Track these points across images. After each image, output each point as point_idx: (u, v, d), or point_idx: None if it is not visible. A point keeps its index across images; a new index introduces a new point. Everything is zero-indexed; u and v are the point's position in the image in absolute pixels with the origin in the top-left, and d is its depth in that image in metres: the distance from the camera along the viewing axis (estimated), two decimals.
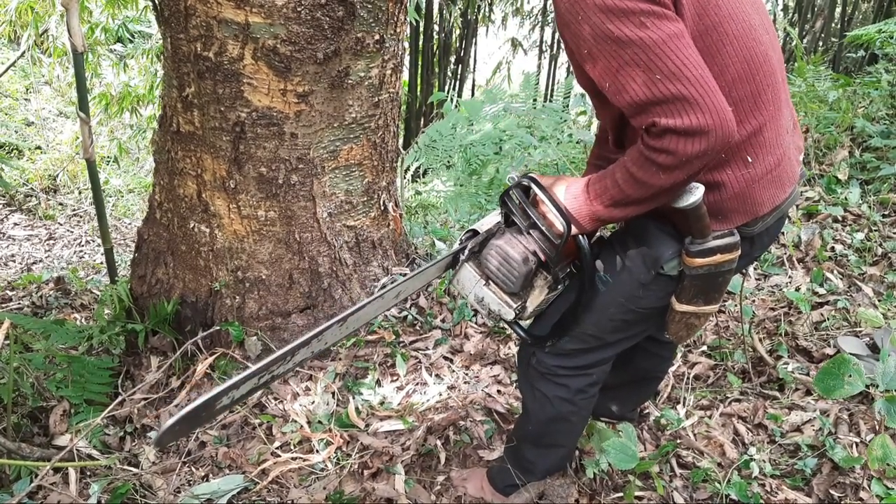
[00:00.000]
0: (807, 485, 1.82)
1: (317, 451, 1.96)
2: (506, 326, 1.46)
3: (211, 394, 1.00)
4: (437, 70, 9.57)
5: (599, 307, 1.36)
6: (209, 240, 2.22)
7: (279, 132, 2.05)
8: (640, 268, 1.29)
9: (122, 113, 6.87)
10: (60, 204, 6.21)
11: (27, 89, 8.94)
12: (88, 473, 1.88)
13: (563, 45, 1.24)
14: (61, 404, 2.07)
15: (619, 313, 1.35)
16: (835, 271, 2.75)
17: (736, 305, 2.58)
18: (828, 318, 2.46)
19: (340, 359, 2.35)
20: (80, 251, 5.23)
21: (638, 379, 1.80)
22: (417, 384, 2.28)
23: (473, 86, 11.35)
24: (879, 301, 2.53)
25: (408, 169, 5.27)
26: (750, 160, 1.17)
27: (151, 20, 6.95)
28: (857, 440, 1.92)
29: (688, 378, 2.26)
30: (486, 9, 10.11)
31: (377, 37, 2.06)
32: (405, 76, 7.82)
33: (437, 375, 2.31)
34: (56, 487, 1.78)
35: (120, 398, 2.07)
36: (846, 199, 3.21)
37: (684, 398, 2.17)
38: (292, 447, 1.99)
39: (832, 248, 2.91)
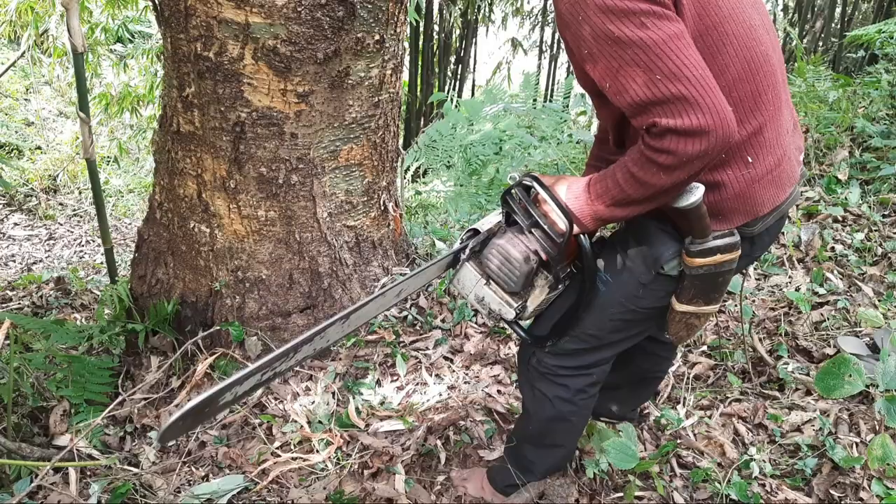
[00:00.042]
0: (807, 485, 1.82)
1: (317, 451, 1.96)
2: (506, 326, 1.46)
3: (214, 389, 1.00)
4: (437, 70, 9.58)
5: (600, 307, 1.36)
6: (209, 240, 2.22)
7: (279, 132, 2.05)
8: (641, 267, 1.29)
9: (123, 113, 6.88)
10: (60, 204, 6.21)
11: (27, 89, 8.94)
12: (88, 473, 1.88)
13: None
14: (61, 404, 2.07)
15: (620, 313, 1.35)
16: (835, 271, 2.75)
17: (736, 305, 2.59)
18: (828, 318, 2.46)
19: (340, 359, 2.35)
20: (81, 251, 5.23)
21: (638, 379, 1.80)
22: (417, 384, 2.28)
23: (473, 86, 11.35)
24: (879, 301, 2.53)
25: (408, 169, 5.27)
26: (750, 160, 1.17)
27: (151, 20, 6.95)
28: (857, 440, 1.92)
29: (688, 378, 2.26)
30: (486, 9, 10.11)
31: (377, 37, 2.06)
32: (405, 76, 7.82)
33: (437, 375, 2.31)
34: (56, 487, 1.78)
35: (120, 398, 2.07)
36: (846, 199, 3.21)
37: (684, 398, 2.17)
38: (292, 447, 1.99)
39: (832, 249, 2.91)
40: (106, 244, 2.84)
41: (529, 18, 11.48)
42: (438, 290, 2.72)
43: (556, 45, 10.64)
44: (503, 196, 1.33)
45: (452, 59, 10.32)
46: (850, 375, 1.59)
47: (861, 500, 1.73)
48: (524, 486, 1.71)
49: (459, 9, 9.54)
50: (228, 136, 2.04)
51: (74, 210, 6.14)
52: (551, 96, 9.51)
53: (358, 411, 2.11)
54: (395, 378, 2.30)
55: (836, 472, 1.82)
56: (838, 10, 8.24)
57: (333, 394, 2.19)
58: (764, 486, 1.81)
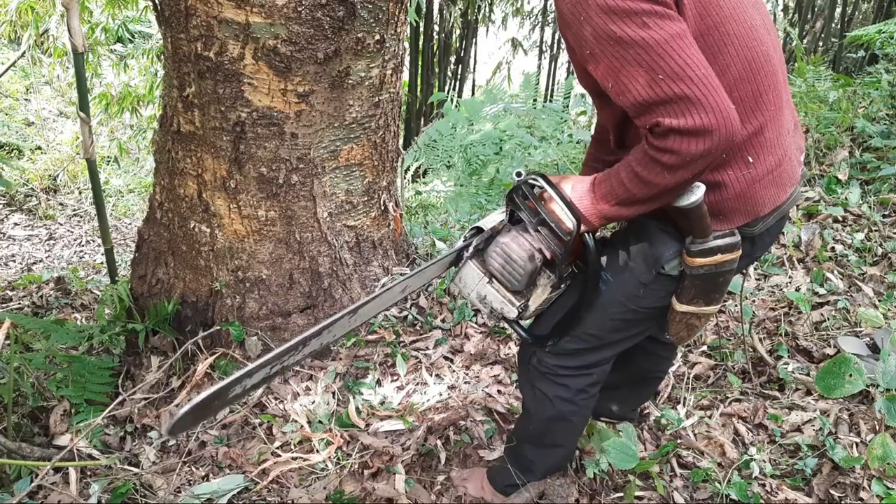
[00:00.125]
0: (807, 485, 1.82)
1: (317, 450, 1.96)
2: (506, 326, 1.46)
3: (225, 382, 1.00)
4: (437, 70, 9.58)
5: (600, 307, 1.36)
6: (210, 240, 2.22)
7: (279, 132, 2.05)
8: (641, 267, 1.29)
9: (123, 113, 6.87)
10: (61, 204, 6.21)
11: (27, 89, 8.94)
12: (89, 473, 1.88)
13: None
14: (62, 404, 2.07)
15: (620, 313, 1.35)
16: (835, 271, 2.75)
17: (736, 305, 2.59)
18: (828, 319, 2.46)
19: (341, 358, 2.35)
20: (81, 251, 5.23)
21: (638, 379, 1.80)
22: (418, 384, 2.28)
23: (473, 86, 11.35)
24: (880, 301, 2.53)
25: (408, 169, 5.28)
26: (751, 160, 1.17)
27: (151, 20, 6.95)
28: (857, 440, 1.92)
29: (688, 378, 2.26)
30: (487, 9, 10.11)
31: (378, 37, 2.06)
32: (405, 76, 7.82)
33: (437, 375, 2.31)
34: (56, 487, 1.78)
35: (120, 398, 2.07)
36: (846, 199, 3.21)
37: (684, 398, 2.17)
38: (292, 447, 1.99)
39: (832, 249, 2.91)
40: (106, 244, 2.84)
41: (529, 18, 11.48)
42: (438, 290, 2.72)
43: (556, 46, 10.64)
44: (509, 194, 1.33)
45: (452, 59, 10.32)
46: (851, 375, 1.59)
47: (861, 499, 1.73)
48: (524, 486, 1.71)
49: (459, 9, 9.54)
50: (229, 136, 2.04)
51: (74, 210, 6.14)
52: (551, 96, 9.52)
53: (358, 411, 2.11)
54: (395, 378, 2.30)
55: (836, 472, 1.82)
56: (838, 10, 8.24)
57: (334, 394, 2.19)
58: (764, 486, 1.81)
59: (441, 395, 2.20)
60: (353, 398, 2.16)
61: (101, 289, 3.45)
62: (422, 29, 8.45)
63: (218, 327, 2.27)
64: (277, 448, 1.98)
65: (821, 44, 8.74)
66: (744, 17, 1.12)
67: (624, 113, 1.12)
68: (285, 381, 2.24)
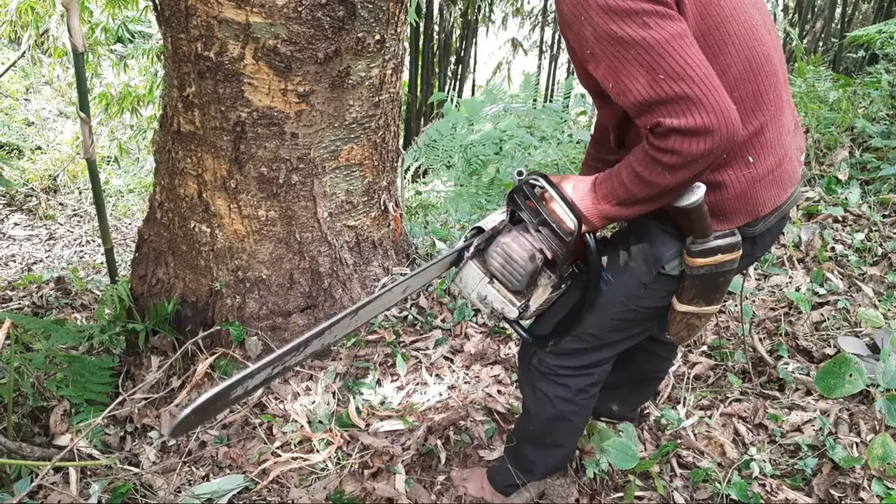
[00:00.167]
0: (807, 485, 1.82)
1: (317, 450, 1.96)
2: (506, 326, 1.46)
3: (227, 383, 1.00)
4: (437, 70, 9.58)
5: (601, 307, 1.36)
6: (210, 239, 2.22)
7: (280, 132, 2.05)
8: (642, 267, 1.29)
9: (123, 113, 6.87)
10: (61, 204, 6.21)
11: (27, 89, 8.94)
12: (89, 473, 1.88)
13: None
14: (62, 404, 2.07)
15: (621, 313, 1.35)
16: (835, 271, 2.75)
17: (736, 305, 2.59)
18: (828, 319, 2.46)
19: (341, 359, 2.35)
20: (81, 251, 5.23)
21: (639, 379, 1.80)
22: (418, 384, 2.28)
23: (473, 86, 11.35)
24: (880, 301, 2.53)
25: (408, 169, 5.28)
26: (751, 160, 1.17)
27: (151, 20, 6.95)
28: (858, 440, 1.92)
29: (688, 378, 2.26)
30: (487, 9, 10.11)
31: (378, 37, 2.06)
32: (405, 76, 7.82)
33: (437, 375, 2.31)
34: (56, 487, 1.78)
35: (120, 398, 2.07)
36: (846, 199, 3.21)
37: (684, 398, 2.17)
38: (293, 447, 1.99)
39: (832, 249, 2.91)
40: (106, 244, 2.84)
41: (529, 19, 11.48)
42: (439, 290, 2.72)
43: (556, 46, 10.65)
44: (510, 194, 1.32)
45: (452, 59, 10.32)
46: (851, 375, 1.59)
47: (861, 499, 1.73)
48: (524, 486, 1.71)
49: (459, 9, 9.54)
50: (229, 136, 2.04)
51: (74, 210, 6.14)
52: (551, 96, 9.52)
53: (358, 411, 2.11)
54: (395, 378, 2.30)
55: (836, 472, 1.82)
56: (838, 10, 8.24)
57: (334, 394, 2.19)
58: (764, 486, 1.81)
59: (441, 395, 2.20)
60: (354, 398, 2.16)
61: (101, 289, 3.45)
62: (422, 29, 8.45)
63: (218, 327, 2.27)
64: (277, 448, 1.98)
65: (821, 44, 8.75)
66: (744, 17, 1.12)
67: (624, 113, 1.12)
68: (285, 381, 2.24)
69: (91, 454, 1.92)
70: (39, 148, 7.41)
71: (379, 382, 2.27)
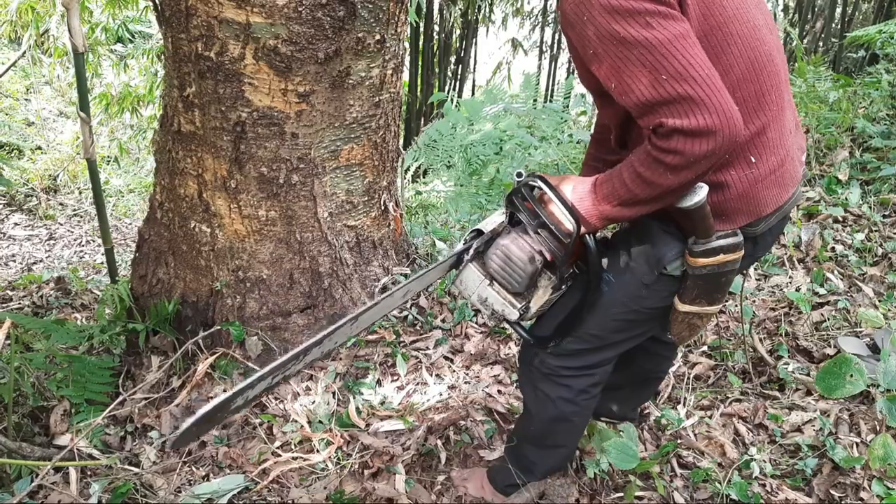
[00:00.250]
0: (807, 485, 1.82)
1: (317, 450, 1.96)
2: (507, 326, 1.46)
3: (227, 394, 1.01)
4: (437, 70, 9.58)
5: (603, 307, 1.36)
6: (210, 239, 2.22)
7: (280, 132, 2.05)
8: (644, 268, 1.29)
9: (123, 113, 6.87)
10: (61, 204, 6.21)
11: (28, 89, 8.94)
12: (89, 473, 1.88)
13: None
14: (62, 404, 2.07)
15: (622, 313, 1.35)
16: (835, 272, 2.75)
17: (736, 306, 2.59)
18: (828, 319, 2.46)
19: (341, 358, 2.35)
20: (81, 251, 5.23)
21: (640, 379, 1.80)
22: (418, 384, 2.28)
23: (473, 86, 11.35)
24: (880, 301, 2.53)
25: (408, 169, 5.27)
26: (753, 160, 1.17)
27: (152, 20, 6.95)
28: (858, 440, 1.92)
29: (688, 378, 2.26)
30: (487, 9, 10.11)
31: (378, 37, 2.06)
32: (405, 76, 7.82)
33: (437, 375, 2.31)
34: (57, 487, 1.78)
35: (121, 398, 2.07)
36: (847, 199, 3.21)
37: (685, 398, 2.17)
38: (293, 447, 1.99)
39: (832, 249, 2.91)
40: (106, 244, 2.84)
41: (529, 19, 11.48)
42: (439, 291, 2.72)
43: (556, 46, 10.64)
44: (508, 196, 1.33)
45: (453, 59, 10.32)
46: (852, 375, 1.59)
47: (861, 500, 1.73)
48: (524, 486, 1.71)
49: (460, 9, 9.54)
50: (229, 136, 2.04)
51: (75, 210, 6.14)
52: (551, 96, 9.52)
53: (358, 411, 2.11)
54: (395, 378, 2.30)
55: (836, 473, 1.82)
56: (839, 10, 8.24)
57: (334, 394, 2.19)
58: (764, 486, 1.81)
59: (441, 395, 2.20)
60: (354, 398, 2.16)
61: (101, 289, 3.45)
62: (422, 29, 8.45)
63: (218, 327, 2.27)
64: (278, 448, 1.98)
65: (821, 44, 8.75)
66: (747, 17, 1.12)
67: (626, 113, 1.12)
68: (285, 381, 2.24)
69: (91, 454, 1.92)
70: (39, 148, 7.41)
71: (379, 382, 2.27)
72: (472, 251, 1.36)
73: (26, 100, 8.68)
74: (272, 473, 1.87)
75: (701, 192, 1.12)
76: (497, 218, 1.42)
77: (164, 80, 2.23)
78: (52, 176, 6.61)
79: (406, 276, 2.54)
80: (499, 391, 2.21)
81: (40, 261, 4.92)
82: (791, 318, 2.51)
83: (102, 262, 4.41)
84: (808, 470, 1.84)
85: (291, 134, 2.06)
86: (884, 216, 3.10)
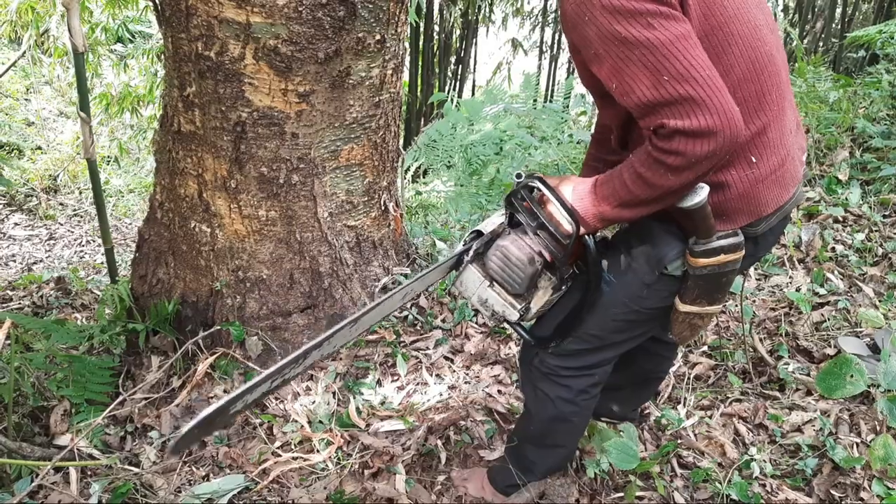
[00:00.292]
0: (807, 485, 1.82)
1: (317, 450, 1.96)
2: (507, 327, 1.46)
3: (226, 399, 1.01)
4: (437, 70, 9.58)
5: (603, 308, 1.36)
6: (210, 239, 2.22)
7: (280, 132, 2.05)
8: (644, 268, 1.29)
9: (123, 113, 6.87)
10: (61, 204, 6.21)
11: (28, 89, 8.94)
12: (89, 473, 1.88)
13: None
14: (62, 404, 2.07)
15: (623, 314, 1.35)
16: (835, 272, 2.75)
17: (737, 306, 2.59)
18: (828, 319, 2.46)
19: (341, 359, 2.35)
20: (81, 251, 5.23)
21: (640, 380, 1.80)
22: (418, 384, 2.28)
23: (473, 86, 11.35)
24: (880, 301, 2.53)
25: (408, 169, 5.27)
26: (754, 160, 1.17)
27: (152, 20, 6.95)
28: (858, 440, 1.92)
29: (688, 378, 2.26)
30: (487, 9, 10.11)
31: (378, 37, 2.06)
32: (405, 76, 7.81)
33: (437, 375, 2.31)
34: (57, 487, 1.78)
35: (121, 398, 2.07)
36: (847, 199, 3.21)
37: (685, 398, 2.17)
38: (293, 447, 1.99)
39: (833, 249, 2.91)
40: (106, 244, 2.84)
41: (530, 19, 11.48)
42: (439, 291, 2.72)
43: (556, 46, 10.64)
44: (507, 197, 1.33)
45: (453, 59, 10.33)
46: (852, 376, 1.59)
47: (861, 500, 1.73)
48: (525, 486, 1.71)
49: (460, 9, 9.54)
50: (229, 136, 2.04)
51: (75, 210, 6.13)
52: (551, 97, 9.52)
53: (358, 411, 2.11)
54: (395, 378, 2.30)
55: (836, 473, 1.82)
56: (839, 10, 8.24)
57: (334, 394, 2.19)
58: (764, 486, 1.81)
59: (441, 395, 2.20)
60: (354, 398, 2.16)
61: (101, 289, 3.45)
62: (422, 29, 8.45)
63: (218, 327, 2.27)
64: (278, 448, 1.98)
65: (821, 44, 8.75)
66: (748, 17, 1.12)
67: (628, 113, 1.12)
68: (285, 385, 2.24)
69: (91, 454, 1.92)
70: (40, 148, 7.41)
71: (379, 382, 2.27)
72: (471, 252, 1.36)
73: (26, 100, 8.68)
74: (272, 473, 1.87)
75: (702, 192, 1.12)
76: (497, 219, 1.42)
77: (164, 80, 2.23)
78: (52, 176, 6.61)
79: (406, 276, 2.54)
80: (499, 391, 2.21)
81: (40, 261, 4.92)
82: (791, 318, 2.51)
83: (102, 262, 4.41)
84: (808, 470, 1.84)
85: (291, 134, 2.06)
86: (884, 216, 3.10)
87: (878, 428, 1.91)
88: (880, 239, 2.93)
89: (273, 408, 2.15)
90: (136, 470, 1.88)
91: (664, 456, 1.90)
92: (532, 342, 1.48)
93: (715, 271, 1.22)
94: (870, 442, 1.85)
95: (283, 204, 2.17)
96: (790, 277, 2.77)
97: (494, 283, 1.35)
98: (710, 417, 2.08)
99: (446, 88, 9.88)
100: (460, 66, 10.22)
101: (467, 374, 2.31)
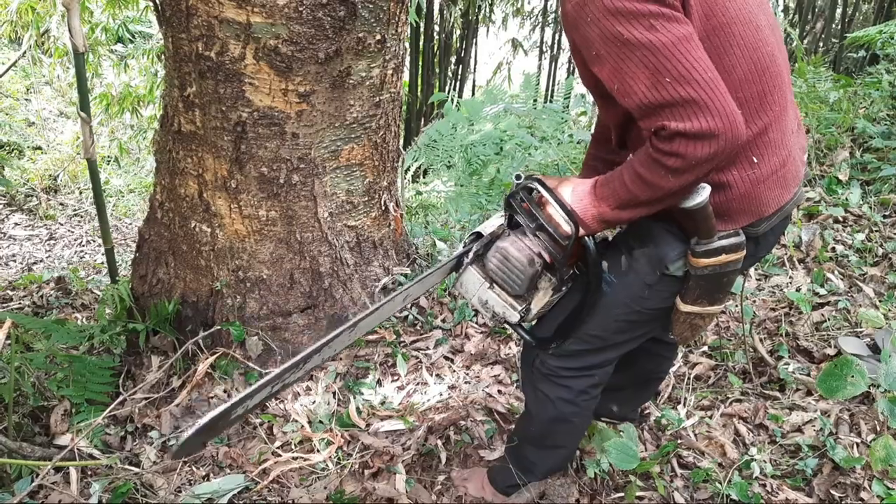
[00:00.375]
0: (807, 485, 1.82)
1: (318, 450, 1.96)
2: (507, 327, 1.46)
3: (228, 404, 1.01)
4: (437, 70, 9.59)
5: (604, 308, 1.36)
6: (210, 239, 2.22)
7: (280, 132, 2.05)
8: (646, 268, 1.29)
9: (123, 113, 6.87)
10: (61, 204, 6.21)
11: (28, 89, 8.93)
12: (89, 473, 1.88)
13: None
14: (62, 404, 2.07)
15: (624, 314, 1.35)
16: (835, 272, 2.75)
17: (737, 306, 2.59)
18: (828, 319, 2.46)
19: (341, 358, 2.35)
20: (81, 251, 5.23)
21: (640, 380, 1.80)
22: (418, 384, 2.28)
23: (474, 86, 11.35)
24: (880, 302, 2.53)
25: (408, 169, 5.27)
26: (756, 161, 1.17)
27: (152, 20, 6.95)
28: (858, 440, 1.92)
29: (688, 378, 2.26)
30: (487, 9, 10.11)
31: (378, 37, 2.06)
32: (406, 76, 7.80)
33: (437, 375, 2.31)
34: (57, 487, 1.78)
35: (121, 398, 2.07)
36: (847, 199, 3.21)
37: (685, 398, 2.17)
38: (293, 447, 1.99)
39: (833, 249, 2.91)
40: (106, 244, 2.84)
41: (530, 19, 11.48)
42: (439, 291, 2.72)
43: (556, 46, 10.64)
44: (507, 199, 1.33)
45: (453, 59, 10.33)
46: (853, 376, 1.59)
47: (862, 500, 1.73)
48: (525, 487, 1.71)
49: (460, 9, 9.55)
50: (230, 136, 2.04)
51: (75, 210, 6.13)
52: (552, 97, 9.51)
53: (359, 411, 2.11)
54: (395, 378, 2.30)
55: (836, 473, 1.82)
56: (839, 10, 8.24)
57: (334, 393, 2.19)
58: (765, 486, 1.81)
59: (441, 395, 2.20)
60: (354, 398, 2.16)
61: (101, 289, 3.44)
62: (422, 29, 8.45)
63: (218, 327, 2.27)
64: (278, 448, 1.98)
65: (821, 44, 8.75)
66: (749, 18, 1.12)
67: (627, 113, 1.12)
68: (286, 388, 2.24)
69: (91, 454, 1.92)
70: (40, 148, 7.40)
71: (379, 382, 2.27)
72: (471, 254, 1.36)
73: (26, 100, 8.68)
74: (272, 473, 1.87)
75: (703, 193, 1.12)
76: (496, 220, 1.42)
77: (164, 80, 2.23)
78: (52, 176, 6.61)
79: (406, 276, 2.54)
80: (499, 391, 2.21)
81: (40, 261, 4.92)
82: (791, 318, 2.51)
83: (102, 262, 4.41)
84: (808, 470, 1.84)
85: (292, 134, 2.06)
86: (884, 216, 3.10)
87: (878, 428, 1.91)
88: (880, 239, 2.93)
89: (273, 408, 2.15)
90: (136, 470, 1.88)
91: (664, 456, 1.90)
92: (533, 343, 1.48)
93: (716, 271, 1.22)
94: (870, 442, 1.85)
95: (283, 204, 2.17)
96: (790, 277, 2.77)
97: (494, 284, 1.35)
98: (711, 417, 2.08)
99: (446, 88, 9.88)
100: (460, 66, 10.22)
101: (467, 374, 2.31)
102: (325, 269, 2.31)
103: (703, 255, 1.20)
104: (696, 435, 2.01)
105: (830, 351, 2.31)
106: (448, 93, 9.24)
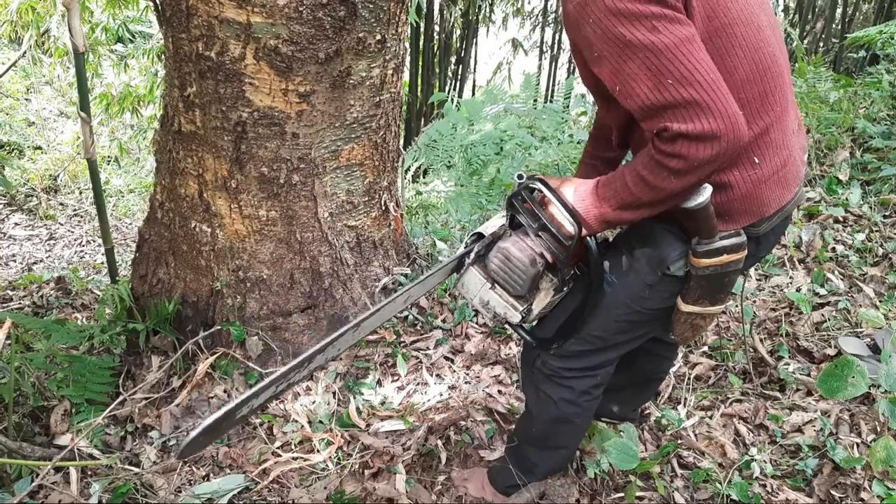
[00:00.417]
0: (808, 485, 1.82)
1: (318, 450, 1.96)
2: (508, 327, 1.46)
3: (232, 404, 1.01)
4: (437, 70, 9.59)
5: (605, 309, 1.36)
6: (210, 239, 2.22)
7: (280, 132, 2.05)
8: (646, 269, 1.29)
9: (123, 113, 6.87)
10: (61, 204, 6.21)
11: (28, 89, 8.94)
12: (89, 473, 1.88)
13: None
14: (62, 404, 2.07)
15: (625, 314, 1.35)
16: (836, 272, 2.75)
17: (737, 306, 2.59)
18: (829, 319, 2.46)
19: (341, 359, 2.35)
20: (81, 251, 5.23)
21: (641, 380, 1.80)
22: (418, 384, 2.28)
23: (474, 86, 11.35)
24: (880, 302, 2.53)
25: (408, 169, 5.27)
26: (757, 161, 1.17)
27: (152, 20, 6.95)
28: (858, 441, 1.92)
29: (689, 378, 2.26)
30: (487, 9, 10.11)
31: (379, 37, 2.06)
32: (406, 76, 7.80)
33: (437, 375, 2.31)
34: (57, 487, 1.78)
35: (121, 398, 2.07)
36: (847, 199, 3.21)
37: (685, 398, 2.17)
38: (293, 447, 1.99)
39: (833, 249, 2.91)
40: (106, 244, 2.84)
41: (530, 19, 11.48)
42: (439, 291, 2.72)
43: (556, 46, 10.65)
44: (509, 199, 1.32)
45: (453, 59, 10.33)
46: (853, 377, 1.59)
47: (862, 500, 1.73)
48: (525, 487, 1.71)
49: (460, 9, 9.55)
50: (230, 136, 2.04)
51: (75, 210, 6.13)
52: (552, 97, 9.51)
53: (359, 411, 2.11)
54: (395, 378, 2.30)
55: (836, 473, 1.82)
56: (839, 10, 8.25)
57: (334, 394, 2.19)
58: (765, 486, 1.81)
59: (442, 395, 2.20)
60: (354, 398, 2.16)
61: (101, 289, 3.44)
62: (422, 29, 8.45)
63: (219, 327, 2.27)
64: (278, 448, 1.98)
65: (821, 44, 8.75)
66: (751, 19, 1.12)
67: (629, 114, 1.12)
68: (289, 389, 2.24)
69: (91, 454, 1.92)
70: (40, 148, 7.40)
71: (379, 382, 2.27)
72: (473, 255, 1.36)
73: (27, 100, 8.68)
74: (272, 473, 1.87)
75: (705, 193, 1.12)
76: (498, 221, 1.41)
77: (164, 80, 2.23)
78: (52, 176, 6.61)
79: (406, 276, 2.54)
80: (499, 391, 2.21)
81: (40, 261, 4.92)
82: (791, 318, 2.51)
83: (103, 262, 4.41)
84: (808, 470, 1.84)
85: (292, 134, 2.06)
86: (884, 216, 3.10)
87: (878, 429, 1.91)
88: (881, 239, 2.93)
89: (273, 408, 2.14)
90: (136, 470, 1.88)
91: (664, 456, 1.90)
92: (534, 344, 1.48)
93: (717, 271, 1.22)
94: (870, 442, 1.85)
95: (283, 204, 2.17)
96: (790, 278, 2.77)
97: (496, 284, 1.35)
98: (711, 418, 2.08)
99: (446, 88, 9.88)
100: (460, 66, 10.22)
101: (467, 375, 2.31)
102: (325, 269, 2.31)
103: (704, 256, 1.20)
104: (696, 435, 2.01)
105: (831, 351, 2.31)
106: (448, 93, 9.24)
